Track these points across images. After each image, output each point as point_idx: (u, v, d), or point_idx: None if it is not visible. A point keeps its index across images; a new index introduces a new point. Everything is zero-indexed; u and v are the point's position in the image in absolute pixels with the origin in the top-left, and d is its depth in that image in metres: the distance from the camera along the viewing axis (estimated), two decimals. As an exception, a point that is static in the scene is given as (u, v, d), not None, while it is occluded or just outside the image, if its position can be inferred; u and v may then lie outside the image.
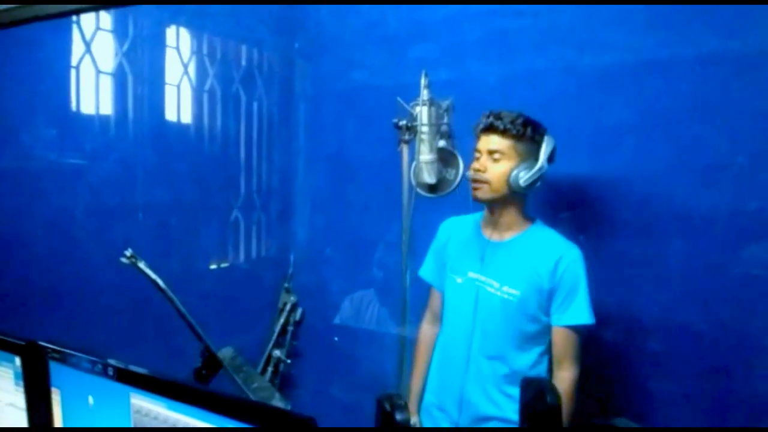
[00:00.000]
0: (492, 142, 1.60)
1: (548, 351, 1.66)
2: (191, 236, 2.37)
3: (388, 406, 0.69)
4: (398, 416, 0.67)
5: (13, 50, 1.78)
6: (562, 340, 1.62)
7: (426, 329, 1.87)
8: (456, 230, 1.81)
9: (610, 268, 1.91)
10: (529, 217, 1.69)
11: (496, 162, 1.60)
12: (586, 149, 2.00)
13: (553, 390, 0.76)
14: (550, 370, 1.67)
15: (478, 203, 1.68)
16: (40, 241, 1.90)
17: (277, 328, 2.70)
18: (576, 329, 1.61)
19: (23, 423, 1.12)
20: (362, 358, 2.48)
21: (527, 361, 1.64)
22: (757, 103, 1.72)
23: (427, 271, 1.87)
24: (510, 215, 1.66)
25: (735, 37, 1.76)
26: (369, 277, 2.45)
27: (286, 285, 2.75)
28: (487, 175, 1.60)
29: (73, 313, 1.92)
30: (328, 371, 2.68)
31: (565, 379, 1.61)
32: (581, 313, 1.59)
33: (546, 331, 1.64)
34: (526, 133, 1.59)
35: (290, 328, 2.72)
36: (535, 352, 1.65)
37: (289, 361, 2.69)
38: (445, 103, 1.69)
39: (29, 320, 1.70)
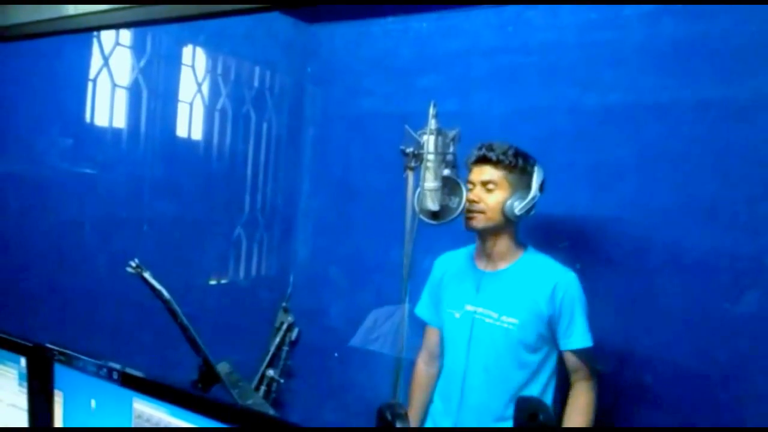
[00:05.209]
0: (485, 172, 1.66)
1: (552, 379, 1.67)
2: (194, 250, 2.39)
3: (389, 416, 0.71)
4: (398, 424, 0.69)
5: (34, 60, 1.83)
6: (575, 362, 1.64)
7: (421, 368, 1.86)
8: (450, 265, 1.83)
9: (606, 304, 1.94)
10: (521, 245, 1.72)
11: (490, 192, 1.65)
12: (586, 186, 2.04)
13: (546, 410, 0.78)
14: (555, 396, 1.67)
15: (472, 233, 1.71)
16: (47, 246, 1.92)
17: (272, 348, 2.70)
18: (585, 349, 1.64)
19: (24, 424, 1.13)
20: (356, 381, 2.47)
21: (532, 393, 1.64)
22: (754, 147, 1.77)
23: (422, 308, 1.88)
24: (503, 244, 1.69)
25: (734, 83, 1.82)
26: (367, 301, 2.46)
27: (284, 304, 2.76)
28: (481, 205, 1.64)
29: (70, 319, 1.93)
30: (320, 393, 2.68)
31: (585, 388, 1.64)
32: (586, 334, 1.62)
33: (546, 359, 1.65)
34: (518, 164, 1.64)
35: (285, 348, 2.72)
36: (540, 382, 1.65)
37: (282, 380, 2.69)
38: (451, 133, 1.72)
39: (25, 322, 1.71)
